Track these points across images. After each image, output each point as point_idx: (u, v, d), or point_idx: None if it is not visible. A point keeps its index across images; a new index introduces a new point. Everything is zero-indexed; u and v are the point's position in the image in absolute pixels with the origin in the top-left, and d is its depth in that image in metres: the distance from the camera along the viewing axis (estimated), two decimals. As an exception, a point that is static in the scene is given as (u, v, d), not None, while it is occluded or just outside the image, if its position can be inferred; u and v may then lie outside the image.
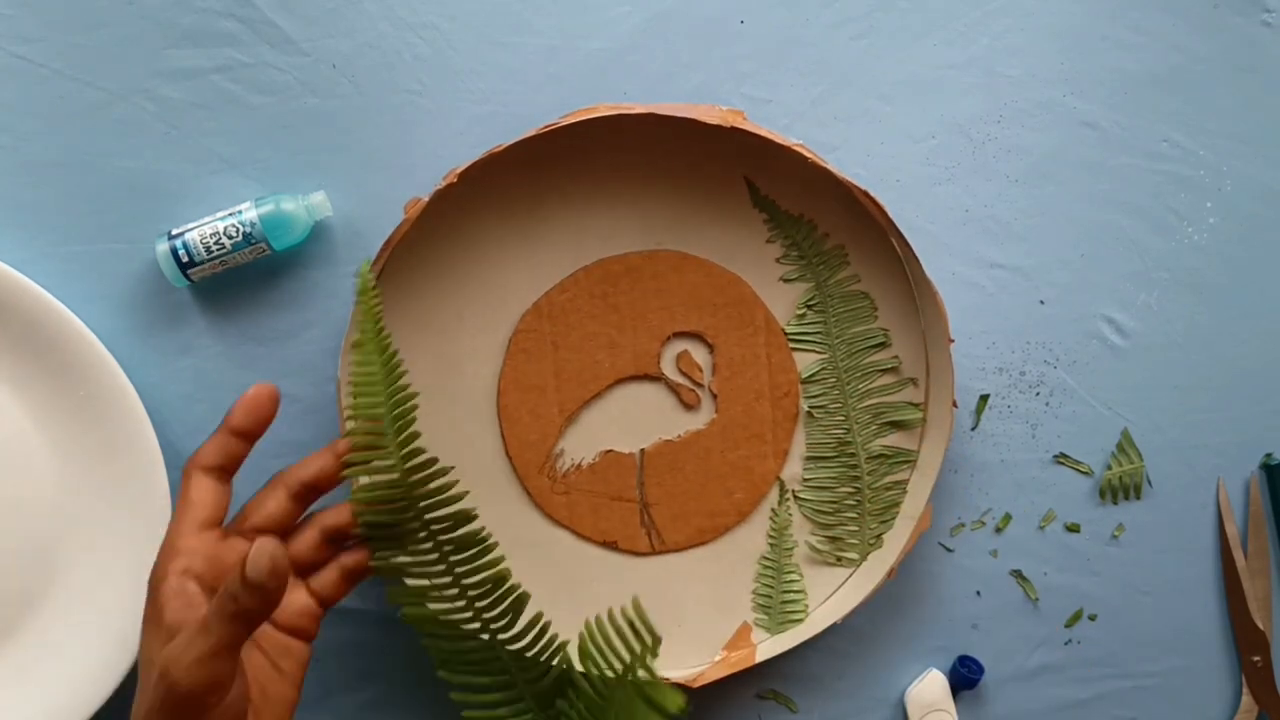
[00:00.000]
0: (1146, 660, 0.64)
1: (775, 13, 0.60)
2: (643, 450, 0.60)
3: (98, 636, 0.57)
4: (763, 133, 0.55)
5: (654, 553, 0.60)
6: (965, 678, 0.63)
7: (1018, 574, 0.63)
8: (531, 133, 0.54)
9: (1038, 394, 0.63)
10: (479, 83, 0.59)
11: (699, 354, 0.60)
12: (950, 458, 0.62)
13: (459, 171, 0.54)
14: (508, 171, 0.57)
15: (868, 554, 0.60)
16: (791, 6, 0.60)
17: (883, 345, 0.60)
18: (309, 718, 0.61)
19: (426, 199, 0.54)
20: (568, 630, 0.55)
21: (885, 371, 0.60)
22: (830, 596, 0.60)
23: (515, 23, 0.59)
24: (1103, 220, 0.62)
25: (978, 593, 0.63)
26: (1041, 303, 0.62)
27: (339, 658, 0.61)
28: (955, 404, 0.58)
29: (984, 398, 0.62)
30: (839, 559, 0.60)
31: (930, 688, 0.62)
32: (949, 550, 0.63)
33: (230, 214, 0.56)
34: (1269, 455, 0.64)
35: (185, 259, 0.56)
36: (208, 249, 0.56)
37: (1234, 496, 0.64)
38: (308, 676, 0.48)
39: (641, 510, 0.60)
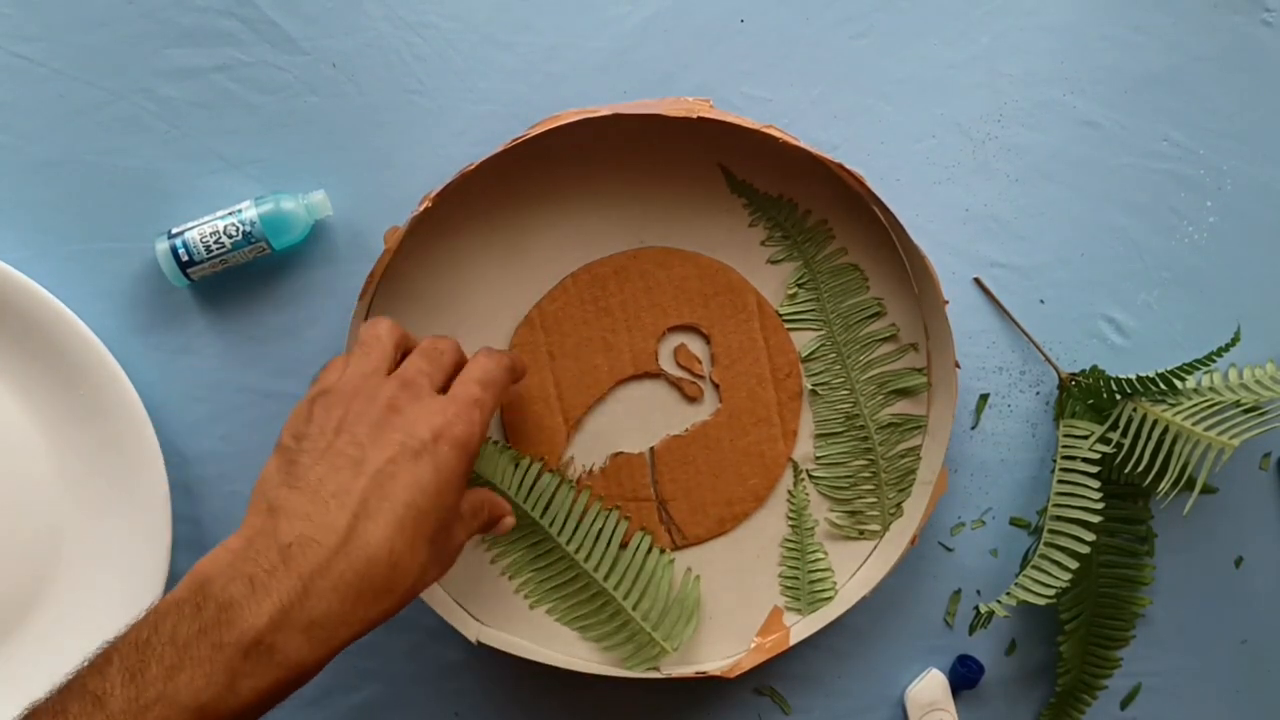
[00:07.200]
0: (1147, 659, 0.64)
1: (775, 12, 0.60)
2: (652, 448, 0.60)
3: (98, 636, 0.57)
4: (730, 118, 0.54)
5: (676, 548, 0.60)
6: (965, 678, 0.63)
7: (1018, 574, 0.63)
8: (502, 148, 0.54)
9: (1037, 393, 0.63)
10: (479, 82, 0.59)
11: (696, 346, 0.60)
12: (950, 457, 0.62)
13: (433, 195, 0.54)
14: (484, 188, 0.56)
15: (889, 524, 0.60)
16: (791, 6, 0.60)
17: (878, 314, 0.60)
18: (307, 717, 0.61)
19: (405, 226, 0.54)
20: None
21: (884, 340, 0.60)
22: (857, 571, 0.60)
23: (515, 22, 0.59)
24: (1103, 220, 0.62)
25: (978, 592, 0.63)
26: (1041, 302, 0.62)
27: (338, 657, 0.61)
28: (958, 364, 0.58)
29: (984, 397, 0.62)
30: (861, 532, 0.60)
31: (930, 687, 0.62)
32: (949, 550, 0.63)
33: (230, 213, 0.56)
34: (1266, 456, 0.64)
35: (185, 258, 0.56)
36: (207, 248, 0.56)
37: (1234, 496, 0.64)
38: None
39: (658, 507, 0.60)
